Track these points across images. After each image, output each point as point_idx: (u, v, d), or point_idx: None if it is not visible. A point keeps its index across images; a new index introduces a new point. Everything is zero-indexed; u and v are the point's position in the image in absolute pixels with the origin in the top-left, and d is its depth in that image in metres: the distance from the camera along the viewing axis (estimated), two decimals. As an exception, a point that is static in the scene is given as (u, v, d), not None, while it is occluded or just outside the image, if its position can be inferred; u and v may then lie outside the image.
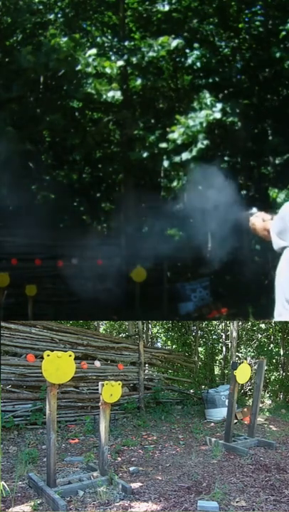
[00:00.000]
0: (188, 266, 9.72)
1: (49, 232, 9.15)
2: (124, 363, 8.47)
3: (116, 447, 5.70)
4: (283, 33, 8.56)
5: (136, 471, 4.73)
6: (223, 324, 12.74)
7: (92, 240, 9.59)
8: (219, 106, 8.08)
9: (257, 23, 9.41)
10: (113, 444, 5.83)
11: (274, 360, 11.78)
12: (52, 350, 4.00)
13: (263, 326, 12.13)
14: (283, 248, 2.32)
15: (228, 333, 12.31)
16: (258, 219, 2.60)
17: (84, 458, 5.07)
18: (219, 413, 7.88)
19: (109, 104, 8.92)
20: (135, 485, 4.25)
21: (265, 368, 7.61)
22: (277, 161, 9.74)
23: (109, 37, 9.49)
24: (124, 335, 12.27)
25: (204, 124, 7.80)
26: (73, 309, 8.42)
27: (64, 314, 8.47)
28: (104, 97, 8.43)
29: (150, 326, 14.24)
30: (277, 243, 2.35)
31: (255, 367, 7.53)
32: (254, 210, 2.72)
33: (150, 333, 14.75)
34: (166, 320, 11.88)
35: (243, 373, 5.73)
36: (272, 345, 12.25)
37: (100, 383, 4.38)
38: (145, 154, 8.40)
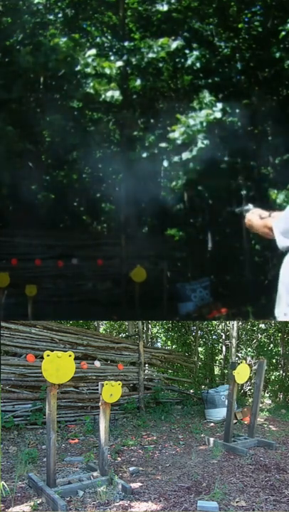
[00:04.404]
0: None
1: (49, 232, 9.15)
2: (124, 363, 8.47)
3: (116, 447, 5.70)
4: (283, 33, 8.55)
5: (136, 471, 4.72)
6: (223, 324, 12.74)
7: (92, 240, 9.60)
8: (219, 106, 8.08)
9: (257, 23, 9.41)
10: (113, 444, 5.83)
11: (274, 360, 11.79)
12: (52, 350, 4.01)
13: (263, 326, 12.13)
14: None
15: (228, 333, 12.30)
16: (254, 216, 2.57)
17: (84, 458, 5.07)
18: (219, 413, 7.88)
19: (109, 104, 8.91)
20: (135, 485, 4.25)
21: (265, 368, 7.62)
22: (277, 161, 9.74)
23: (109, 37, 9.48)
24: (124, 335, 12.28)
25: (204, 124, 7.79)
26: (73, 309, 8.42)
27: (64, 314, 8.47)
28: (103, 97, 8.42)
29: (150, 326, 14.24)
30: (282, 242, 2.32)
31: (255, 367, 7.53)
32: (250, 206, 2.68)
33: (150, 333, 14.75)
34: (166, 320, 11.88)
35: (241, 373, 5.72)
36: (272, 345, 12.25)
37: (99, 383, 4.38)
38: (145, 154, 8.40)
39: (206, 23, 9.54)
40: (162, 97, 9.67)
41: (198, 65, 8.66)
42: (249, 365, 7.60)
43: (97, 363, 7.65)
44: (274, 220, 2.44)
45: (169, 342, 14.33)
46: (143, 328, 11.52)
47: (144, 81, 8.81)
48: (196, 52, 8.63)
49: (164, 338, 14.78)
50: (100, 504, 3.76)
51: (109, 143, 10.04)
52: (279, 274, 2.28)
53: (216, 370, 13.76)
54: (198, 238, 10.27)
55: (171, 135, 7.98)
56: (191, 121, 7.82)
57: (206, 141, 7.78)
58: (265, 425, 7.64)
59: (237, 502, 3.83)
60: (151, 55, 8.31)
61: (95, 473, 4.37)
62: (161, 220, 10.41)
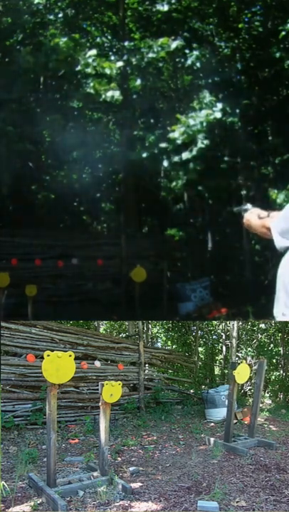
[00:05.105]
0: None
1: (49, 232, 9.16)
2: (124, 363, 8.47)
3: (116, 447, 5.70)
4: (283, 33, 8.56)
5: (136, 471, 4.72)
6: (223, 324, 12.74)
7: (92, 240, 9.61)
8: (219, 106, 8.09)
9: (257, 23, 9.42)
10: (113, 444, 5.83)
11: (274, 360, 11.79)
12: (52, 350, 4.00)
13: (263, 326, 12.13)
14: (288, 248, 2.29)
15: (228, 333, 12.30)
16: (253, 215, 2.56)
17: (84, 458, 5.07)
18: (219, 413, 7.88)
19: (109, 104, 8.92)
20: (135, 485, 4.25)
21: (266, 368, 7.62)
22: (277, 161, 9.74)
23: (109, 37, 9.50)
24: (124, 335, 12.28)
25: (204, 124, 7.80)
26: (73, 309, 8.43)
27: (64, 314, 8.47)
28: (103, 97, 8.43)
29: (150, 326, 14.24)
30: (280, 242, 2.31)
31: (256, 367, 7.53)
32: (248, 206, 2.67)
33: (150, 333, 14.75)
34: (166, 320, 11.88)
35: (242, 373, 5.72)
36: (272, 345, 12.25)
37: (100, 383, 4.38)
38: (145, 154, 8.40)
39: (206, 23, 9.55)
40: (162, 97, 9.67)
41: (198, 65, 8.67)
42: (249, 365, 7.60)
43: (97, 363, 7.65)
44: (272, 220, 2.42)
45: (169, 342, 14.33)
46: (143, 328, 11.52)
47: (144, 81, 8.82)
48: (196, 52, 8.64)
49: (164, 338, 14.78)
50: (100, 504, 3.76)
51: (109, 143, 10.05)
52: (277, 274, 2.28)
53: (216, 370, 13.76)
54: (198, 238, 10.28)
55: (171, 135, 7.99)
56: (191, 121, 7.83)
57: (206, 141, 7.79)
58: (266, 425, 7.64)
59: (237, 502, 3.83)
60: (151, 55, 8.32)
61: (95, 473, 4.37)
62: (161, 220, 10.42)
